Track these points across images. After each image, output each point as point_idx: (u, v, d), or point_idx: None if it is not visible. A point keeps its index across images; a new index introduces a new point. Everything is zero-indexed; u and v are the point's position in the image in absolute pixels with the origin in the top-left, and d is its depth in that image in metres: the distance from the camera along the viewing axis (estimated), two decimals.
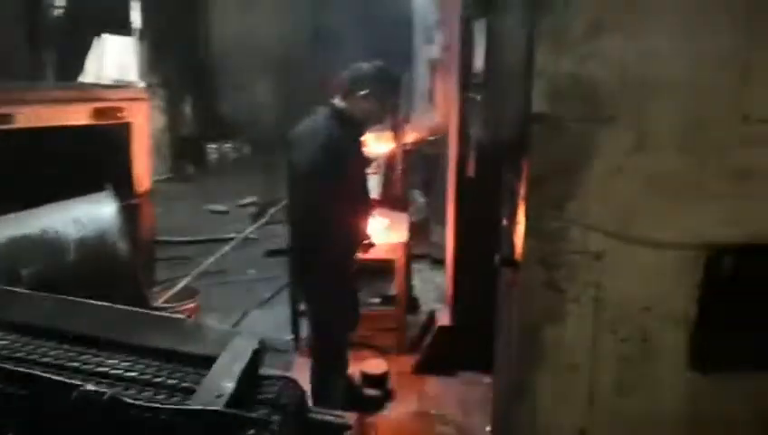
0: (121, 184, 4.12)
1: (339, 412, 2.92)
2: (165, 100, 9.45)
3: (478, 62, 2.15)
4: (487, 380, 3.50)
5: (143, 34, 8.90)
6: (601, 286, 2.20)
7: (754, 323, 2.63)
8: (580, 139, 2.07)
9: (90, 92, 4.04)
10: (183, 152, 10.05)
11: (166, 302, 4.02)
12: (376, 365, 4.04)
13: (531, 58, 2.00)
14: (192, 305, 4.05)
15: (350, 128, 2.85)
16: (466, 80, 2.56)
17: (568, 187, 2.11)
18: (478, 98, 2.22)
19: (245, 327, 4.78)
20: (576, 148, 2.07)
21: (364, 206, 3.11)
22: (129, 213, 4.09)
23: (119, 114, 3.92)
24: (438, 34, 4.77)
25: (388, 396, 3.97)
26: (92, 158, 3.76)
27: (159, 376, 2.14)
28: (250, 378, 2.35)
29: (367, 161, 2.97)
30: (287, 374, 2.53)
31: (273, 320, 4.79)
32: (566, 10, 1.99)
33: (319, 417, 2.78)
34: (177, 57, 9.74)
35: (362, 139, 2.99)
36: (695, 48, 2.02)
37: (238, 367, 2.18)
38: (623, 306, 2.23)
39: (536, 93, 2.02)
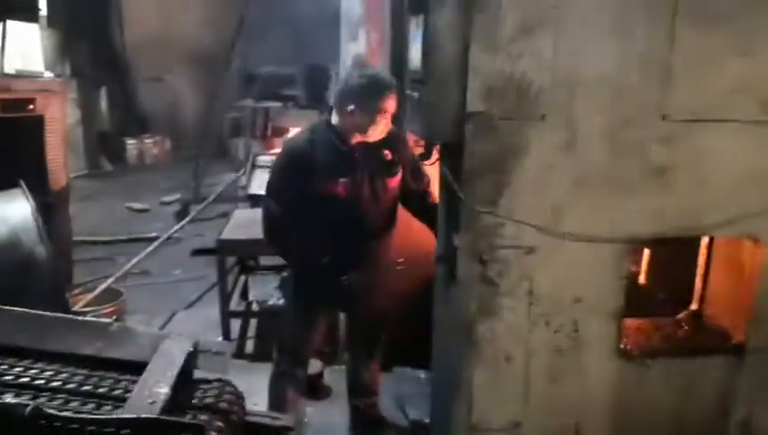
0: (35, 181, 3.89)
1: (277, 414, 2.87)
2: (78, 92, 8.95)
3: (415, 59, 2.15)
4: (423, 374, 3.54)
5: (51, 22, 8.41)
6: (534, 280, 2.27)
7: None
8: (513, 136, 2.11)
9: None
10: (99, 148, 9.58)
11: (86, 305, 3.82)
12: (311, 365, 4.00)
13: (466, 56, 2.02)
14: (115, 308, 3.87)
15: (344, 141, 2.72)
16: (400, 77, 2.55)
17: (501, 183, 2.15)
18: (415, 95, 2.22)
19: (173, 330, 4.61)
20: (509, 145, 2.12)
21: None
22: (44, 211, 3.87)
23: (30, 106, 3.68)
24: (363, 31, 4.75)
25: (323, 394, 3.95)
26: (1, 152, 3.52)
27: (87, 384, 2.01)
28: (185, 382, 2.26)
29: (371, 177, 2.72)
30: (224, 377, 2.45)
31: (202, 321, 4.64)
32: (498, 9, 2.02)
33: (257, 419, 2.72)
34: (89, 47, 9.24)
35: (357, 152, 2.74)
36: (620, 49, 2.11)
37: (172, 371, 2.09)
38: (555, 299, 2.30)
39: (471, 92, 2.05)
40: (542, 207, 2.20)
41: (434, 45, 2.01)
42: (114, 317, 3.67)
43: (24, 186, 2.82)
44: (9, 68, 5.97)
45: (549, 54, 2.06)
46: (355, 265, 2.78)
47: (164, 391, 1.92)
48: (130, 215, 7.73)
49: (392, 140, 2.75)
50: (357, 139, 2.62)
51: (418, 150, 2.62)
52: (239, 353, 4.32)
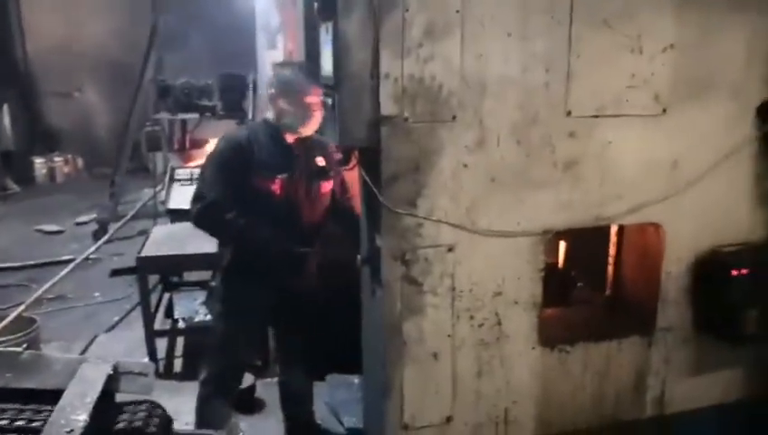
0: None
1: (208, 431, 2.80)
2: None
3: (327, 65, 2.17)
4: (356, 380, 3.54)
5: None
6: (456, 277, 2.32)
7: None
8: (427, 138, 2.16)
9: None
10: (4, 168, 9.05)
11: None
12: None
13: (377, 61, 2.05)
14: (29, 337, 3.67)
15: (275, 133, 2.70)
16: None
17: (418, 184, 2.20)
18: (329, 101, 2.24)
19: (94, 354, 4.42)
20: (424, 147, 2.17)
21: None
22: None
23: None
24: (281, 39, 4.75)
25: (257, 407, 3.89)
26: None
27: (1, 420, 1.90)
28: (108, 407, 2.17)
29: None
30: (150, 399, 2.37)
31: (126, 344, 4.47)
32: (405, 14, 2.06)
33: None
34: None
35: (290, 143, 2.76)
36: (522, 51, 2.20)
37: (90, 397, 2.01)
38: (477, 293, 2.37)
39: (383, 96, 2.08)
40: (459, 205, 2.26)
41: (344, 51, 2.03)
42: (26, 346, 3.47)
43: None
44: None
45: (456, 57, 2.12)
46: (289, 268, 2.78)
47: (82, 418, 1.84)
48: (42, 238, 7.33)
49: (323, 147, 2.78)
50: (292, 136, 2.65)
51: (338, 157, 2.65)
52: (167, 373, 4.19)
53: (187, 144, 6.09)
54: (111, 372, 2.16)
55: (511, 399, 2.51)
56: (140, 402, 2.37)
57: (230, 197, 2.65)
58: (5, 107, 9.32)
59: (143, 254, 4.08)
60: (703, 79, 2.43)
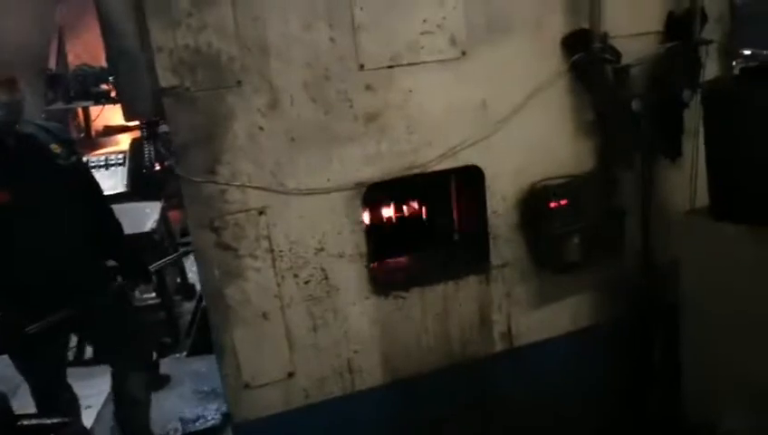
0: None
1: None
2: None
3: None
4: None
5: None
6: (272, 238, 2.38)
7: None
8: (214, 105, 2.19)
9: None
10: None
11: None
12: None
13: (147, 35, 2.06)
14: None
15: None
16: None
17: (214, 151, 2.23)
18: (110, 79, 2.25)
19: None
20: (212, 115, 2.19)
21: None
22: None
23: None
24: None
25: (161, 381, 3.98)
26: None
27: None
28: None
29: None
30: None
31: None
32: None
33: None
34: None
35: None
36: (304, 9, 2.21)
37: None
38: (298, 252, 2.43)
39: (160, 68, 2.09)
40: (263, 167, 2.30)
41: (110, 28, 2.04)
42: None
43: None
44: None
45: (231, 22, 2.13)
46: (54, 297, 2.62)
47: None
48: None
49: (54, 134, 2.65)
50: None
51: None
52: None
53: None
54: None
55: (351, 349, 2.60)
56: None
57: None
58: None
59: None
60: (499, 18, 2.46)
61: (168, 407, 3.74)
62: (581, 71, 2.56)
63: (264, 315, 2.44)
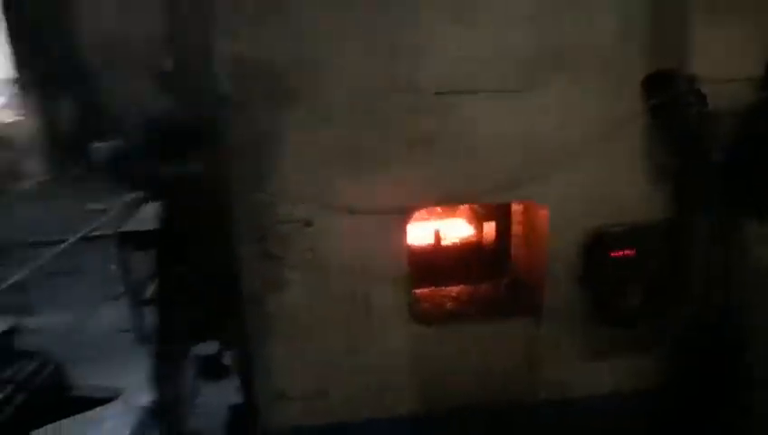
0: None
1: (107, 385, 3.04)
2: (41, 97, 9.23)
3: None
4: None
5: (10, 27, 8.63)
6: (317, 252, 2.39)
7: None
8: (267, 118, 2.23)
9: None
10: (64, 152, 9.83)
11: None
12: (207, 346, 4.18)
13: (212, 44, 2.14)
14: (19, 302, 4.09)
15: None
16: None
17: (265, 163, 2.28)
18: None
19: (93, 322, 4.83)
20: (266, 126, 2.24)
21: None
22: None
23: None
24: None
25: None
26: None
27: None
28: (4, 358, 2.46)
29: None
30: (44, 356, 2.64)
31: (123, 314, 4.84)
32: None
33: (83, 393, 2.90)
34: (49, 51, 9.48)
35: None
36: (366, 29, 2.21)
37: None
38: (341, 269, 2.43)
39: (219, 77, 2.17)
40: (313, 182, 2.32)
41: (178, 34, 2.14)
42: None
43: None
44: None
45: (291, 39, 2.17)
46: None
47: None
48: (89, 215, 7.95)
49: None
50: None
51: None
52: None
53: None
54: (8, 329, 2.47)
55: (385, 373, 2.56)
56: (34, 356, 2.65)
57: None
58: (69, 94, 10.09)
59: (123, 229, 4.40)
60: (572, 50, 2.33)
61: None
62: (661, 114, 2.38)
63: (302, 330, 2.46)
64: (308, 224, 2.35)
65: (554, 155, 2.41)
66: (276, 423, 2.53)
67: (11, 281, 4.41)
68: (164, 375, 3.44)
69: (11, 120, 9.81)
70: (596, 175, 2.45)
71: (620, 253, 2.43)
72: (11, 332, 2.17)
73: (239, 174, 2.28)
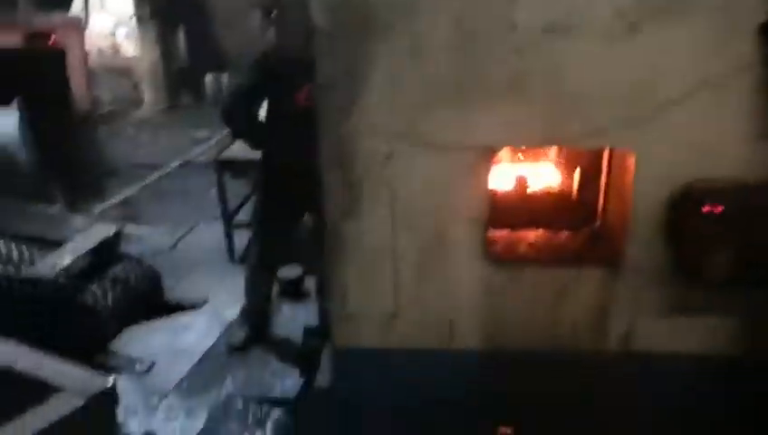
0: (59, 108, 4.48)
1: (199, 296, 3.33)
2: (157, 30, 9.74)
3: None
4: None
5: None
6: (394, 186, 2.45)
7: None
8: (359, 48, 2.27)
9: (21, 17, 4.34)
10: (179, 83, 10.39)
11: (103, 211, 4.44)
12: (291, 269, 4.42)
13: None
14: (127, 214, 4.47)
15: None
16: None
17: (354, 92, 2.33)
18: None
19: (190, 239, 5.20)
20: (356, 57, 2.28)
21: None
22: (67, 134, 4.48)
23: (52, 41, 4.23)
24: None
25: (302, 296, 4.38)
26: (26, 80, 4.10)
27: (16, 254, 2.55)
28: (107, 259, 2.75)
29: None
30: (144, 261, 2.91)
31: (217, 234, 5.19)
32: None
33: (174, 300, 3.19)
34: None
35: None
36: None
37: (82, 248, 2.58)
38: (416, 204, 2.47)
39: (315, 7, 2.22)
40: (397, 115, 2.35)
41: None
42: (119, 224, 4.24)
43: (20, 100, 3.36)
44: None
45: None
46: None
47: (66, 260, 2.41)
48: (194, 143, 8.45)
49: None
50: None
51: None
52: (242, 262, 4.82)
53: None
54: (112, 234, 2.73)
55: (454, 310, 2.61)
56: (133, 259, 2.92)
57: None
58: (183, 28, 10.58)
59: (222, 157, 4.67)
60: None
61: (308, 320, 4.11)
62: None
63: (374, 258, 2.54)
64: (389, 156, 2.40)
65: (652, 102, 2.30)
66: (345, 344, 2.67)
67: (122, 196, 4.82)
68: (255, 285, 3.75)
69: (132, 53, 10.44)
70: (695, 126, 2.31)
71: (713, 209, 2.30)
72: (117, 236, 2.39)
73: (328, 104, 2.34)
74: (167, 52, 10.10)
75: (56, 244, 2.45)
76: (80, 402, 1.43)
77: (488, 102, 2.33)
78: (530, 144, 2.37)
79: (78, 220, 2.80)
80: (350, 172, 2.43)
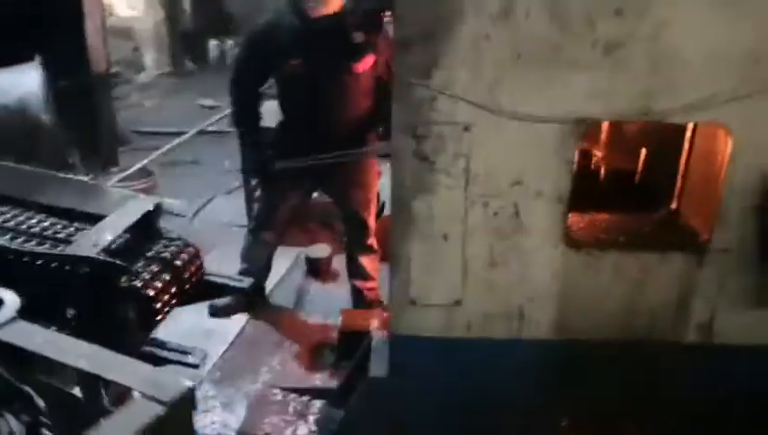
0: (73, 63, 4.22)
1: (240, 277, 3.10)
2: None
3: None
4: None
5: None
6: (471, 159, 2.23)
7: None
8: (445, 2, 2.04)
9: None
10: (183, 47, 9.99)
11: (120, 181, 4.19)
12: (319, 249, 4.21)
13: None
14: (146, 185, 4.22)
15: None
16: None
17: (435, 54, 2.10)
18: None
19: (208, 212, 4.97)
20: (441, 12, 2.05)
21: None
22: (85, 93, 4.22)
23: None
24: None
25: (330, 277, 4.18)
26: (42, 37, 3.82)
27: (51, 229, 2.30)
28: (147, 237, 2.50)
29: None
30: (184, 238, 2.66)
31: (235, 207, 4.95)
32: None
33: (215, 279, 2.95)
34: None
35: None
36: None
37: (123, 224, 2.33)
38: (494, 180, 2.27)
39: None
40: (480, 81, 2.13)
41: None
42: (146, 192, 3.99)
43: (38, 60, 3.09)
44: None
45: None
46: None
47: (108, 238, 2.16)
48: (200, 111, 8.12)
49: (366, 23, 2.72)
50: (316, 11, 2.63)
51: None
52: None
53: None
54: (151, 209, 2.48)
55: (526, 295, 2.43)
56: (176, 239, 2.68)
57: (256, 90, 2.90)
58: None
59: None
60: None
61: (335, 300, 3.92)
62: None
63: (445, 237, 2.34)
64: (467, 128, 2.18)
65: (758, 75, 2.09)
66: (406, 330, 2.47)
67: (139, 165, 4.56)
68: (253, 249, 3.54)
69: (133, 13, 10.02)
70: None
71: None
72: (158, 209, 2.15)
73: (403, 66, 2.11)
74: (172, 13, 9.68)
75: (90, 217, 2.21)
76: (159, 410, 1.22)
77: (581, 69, 2.11)
78: (622, 117, 2.16)
79: (112, 192, 2.54)
80: (423, 143, 2.21)
